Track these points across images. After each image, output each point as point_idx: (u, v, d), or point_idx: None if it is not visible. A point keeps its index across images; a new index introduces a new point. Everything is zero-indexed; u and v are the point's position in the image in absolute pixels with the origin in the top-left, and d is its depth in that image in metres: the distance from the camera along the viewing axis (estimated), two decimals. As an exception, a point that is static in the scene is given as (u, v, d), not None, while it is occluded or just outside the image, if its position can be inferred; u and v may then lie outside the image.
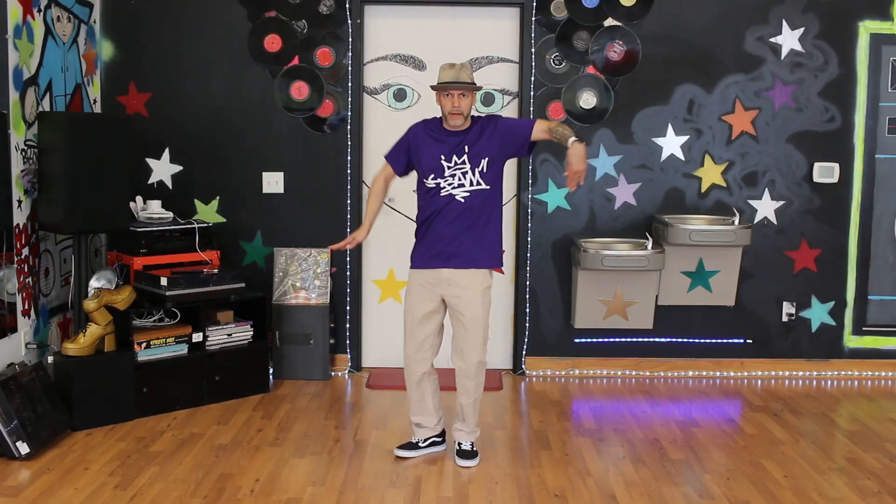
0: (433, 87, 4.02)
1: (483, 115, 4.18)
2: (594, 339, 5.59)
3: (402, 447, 4.18)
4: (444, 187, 3.97)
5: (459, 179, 3.96)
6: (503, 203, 4.13)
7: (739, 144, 5.50)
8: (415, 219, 4.17)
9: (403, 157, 4.10)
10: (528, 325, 5.57)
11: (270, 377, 5.22)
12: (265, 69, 5.42)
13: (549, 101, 5.45)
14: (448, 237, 3.98)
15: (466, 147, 3.96)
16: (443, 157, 3.98)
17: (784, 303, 5.60)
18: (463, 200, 3.97)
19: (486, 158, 3.97)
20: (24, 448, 3.98)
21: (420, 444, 4.19)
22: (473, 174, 3.96)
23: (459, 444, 4.15)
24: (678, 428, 4.61)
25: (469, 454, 4.11)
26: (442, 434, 4.25)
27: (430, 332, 4.10)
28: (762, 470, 4.05)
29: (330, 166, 5.46)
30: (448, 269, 4.00)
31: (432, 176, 3.98)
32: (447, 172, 3.97)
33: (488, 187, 3.99)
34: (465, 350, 4.05)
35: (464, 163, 3.96)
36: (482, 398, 4.18)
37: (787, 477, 3.97)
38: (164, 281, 4.74)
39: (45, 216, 4.58)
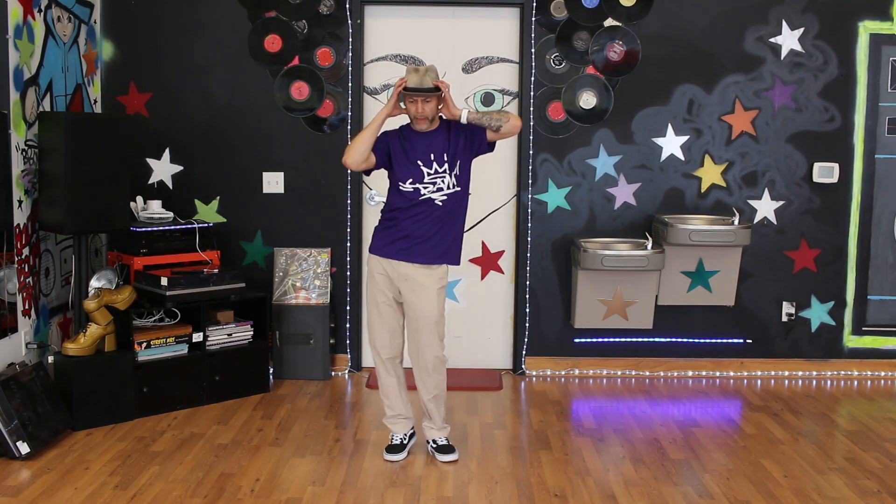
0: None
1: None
2: (594, 339, 5.59)
3: (389, 451, 4.14)
4: (423, 193, 3.97)
5: (438, 185, 3.97)
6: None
7: (739, 144, 5.50)
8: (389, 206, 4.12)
9: (382, 150, 4.00)
10: (528, 325, 5.57)
11: (270, 377, 5.22)
12: (265, 69, 5.42)
13: (549, 101, 5.45)
14: (418, 236, 3.98)
15: (446, 155, 3.96)
16: (420, 162, 3.96)
17: (784, 303, 5.61)
18: (441, 204, 3.98)
19: (460, 161, 4.00)
20: (24, 448, 3.98)
21: (404, 442, 4.18)
22: (450, 177, 3.98)
23: (434, 441, 4.16)
24: (678, 428, 4.62)
25: (447, 448, 4.12)
26: (413, 426, 4.26)
27: (400, 318, 4.12)
28: (762, 470, 4.05)
29: (330, 166, 5.46)
30: (408, 263, 4.00)
31: (410, 181, 3.97)
32: (427, 179, 3.96)
33: (460, 189, 4.03)
34: (420, 347, 4.07)
35: (445, 171, 3.97)
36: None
37: (786, 477, 3.97)
38: (164, 281, 4.74)
39: (46, 216, 4.58)
